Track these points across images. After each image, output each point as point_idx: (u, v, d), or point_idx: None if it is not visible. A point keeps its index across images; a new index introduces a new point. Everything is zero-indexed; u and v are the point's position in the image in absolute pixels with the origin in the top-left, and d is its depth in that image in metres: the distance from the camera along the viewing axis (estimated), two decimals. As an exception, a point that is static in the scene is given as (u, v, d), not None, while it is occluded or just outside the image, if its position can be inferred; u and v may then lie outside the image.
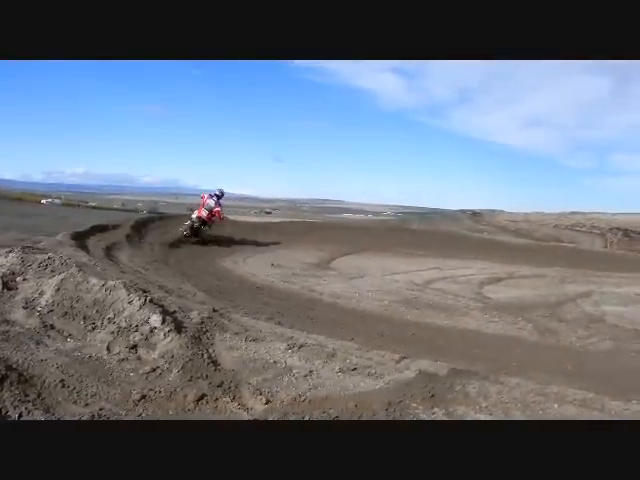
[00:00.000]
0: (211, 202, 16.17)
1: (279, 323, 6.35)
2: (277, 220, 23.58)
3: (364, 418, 3.70)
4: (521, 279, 13.53)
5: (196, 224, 15.88)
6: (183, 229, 15.86)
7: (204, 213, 16.00)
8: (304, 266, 12.95)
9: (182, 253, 13.49)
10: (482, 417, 3.93)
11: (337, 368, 4.60)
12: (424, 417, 3.84)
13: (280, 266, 12.49)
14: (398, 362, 4.97)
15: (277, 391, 4.04)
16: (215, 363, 4.40)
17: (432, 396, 4.16)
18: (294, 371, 4.44)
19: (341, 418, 3.69)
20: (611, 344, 6.82)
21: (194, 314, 5.37)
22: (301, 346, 5.01)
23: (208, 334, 4.96)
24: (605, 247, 33.09)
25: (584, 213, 62.49)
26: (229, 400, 3.84)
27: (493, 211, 73.65)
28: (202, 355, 4.45)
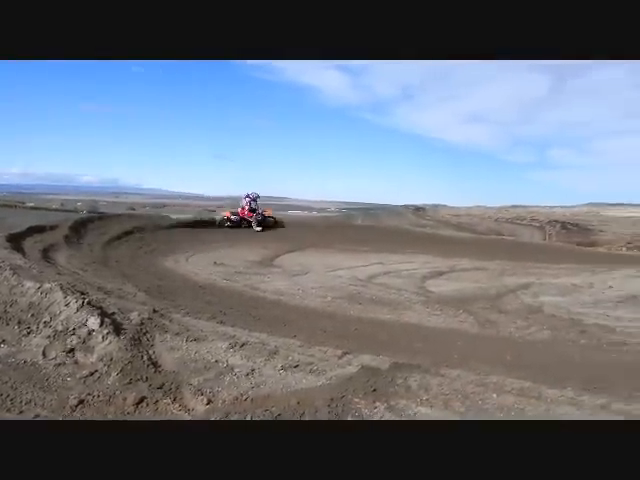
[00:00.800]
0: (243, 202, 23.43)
1: (221, 322, 6.34)
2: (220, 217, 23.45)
3: (307, 416, 3.75)
4: (462, 272, 13.82)
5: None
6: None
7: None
8: (247, 264, 12.90)
9: (123, 253, 13.23)
10: (423, 410, 4.02)
11: (279, 366, 4.65)
12: (366, 412, 3.91)
13: (223, 264, 12.41)
14: (340, 358, 5.06)
15: (219, 391, 4.06)
16: (155, 365, 4.38)
17: (374, 390, 4.24)
18: (236, 370, 4.47)
19: (283, 416, 3.72)
20: (548, 334, 7.06)
21: (134, 315, 5.34)
22: (243, 345, 5.04)
23: (148, 335, 4.94)
24: (544, 239, 34.08)
25: (524, 206, 64.33)
26: (170, 402, 3.82)
27: (436, 206, 75.04)
28: (142, 357, 4.42)
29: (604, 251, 25.02)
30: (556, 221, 42.29)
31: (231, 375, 4.38)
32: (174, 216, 23.80)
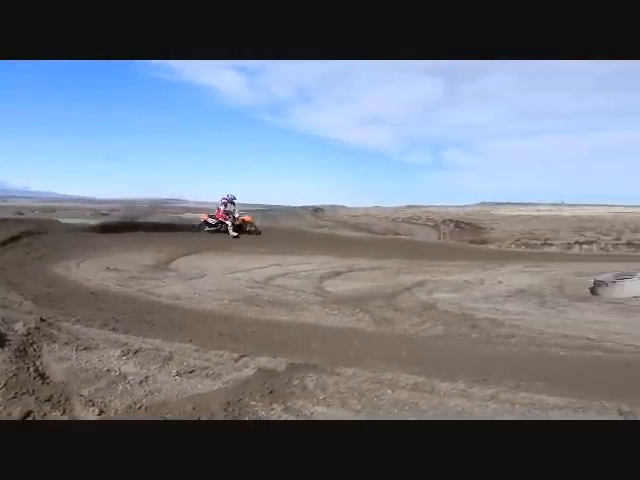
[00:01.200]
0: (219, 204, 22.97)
1: (114, 329, 6.16)
2: (114, 221, 22.53)
3: (203, 419, 3.69)
4: (360, 272, 14.08)
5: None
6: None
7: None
8: (142, 268, 12.54)
9: (8, 260, 12.47)
10: (320, 409, 4.06)
11: (174, 372, 4.60)
12: (263, 414, 3.91)
13: (117, 270, 11.98)
14: (237, 361, 5.07)
15: (111, 400, 3.94)
16: (43, 376, 4.19)
17: (271, 392, 4.27)
18: (129, 378, 4.38)
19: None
20: (442, 329, 7.31)
21: (19, 325, 5.14)
22: (137, 351, 4.98)
23: (35, 346, 4.75)
24: (439, 238, 35.25)
25: (420, 206, 66.41)
26: (59, 414, 3.64)
27: (335, 207, 76.01)
28: (28, 369, 4.21)
29: (494, 248, 26.36)
30: (450, 220, 43.88)
31: (124, 383, 4.27)
32: (73, 220, 22.68)
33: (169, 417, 3.73)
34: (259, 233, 23.20)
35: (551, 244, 30.03)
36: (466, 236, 32.67)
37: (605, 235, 33.69)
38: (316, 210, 67.85)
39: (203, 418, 3.72)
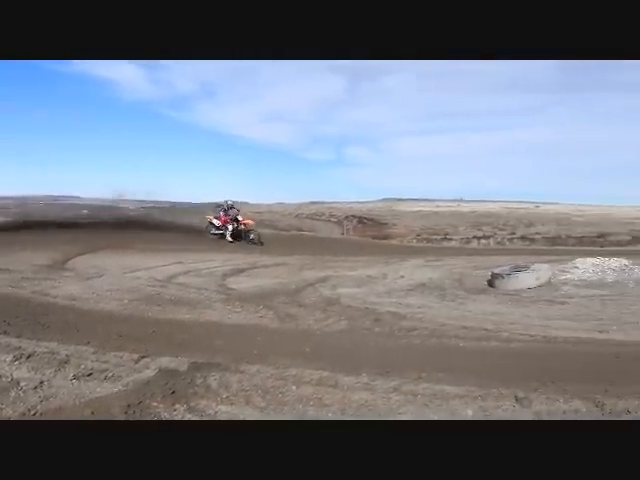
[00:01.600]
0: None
1: (5, 333, 5.87)
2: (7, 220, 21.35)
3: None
4: (263, 269, 14.06)
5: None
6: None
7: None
8: (36, 268, 11.93)
9: None
10: (224, 408, 4.04)
11: (71, 375, 4.49)
12: (165, 415, 3.86)
13: (8, 270, 11.33)
14: (137, 362, 5.00)
15: (2, 408, 3.80)
16: None
17: (173, 393, 4.24)
18: (22, 384, 4.23)
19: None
20: (345, 324, 7.41)
21: None
22: (30, 356, 4.82)
23: None
24: (342, 234, 35.72)
25: (323, 203, 66.96)
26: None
27: (238, 203, 75.46)
28: None
29: (396, 243, 27.09)
30: (353, 216, 44.47)
31: (17, 390, 4.12)
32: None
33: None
34: (262, 244, 21.56)
35: (450, 239, 31.13)
36: (369, 231, 33.29)
37: (501, 230, 35.22)
38: (218, 206, 67.09)
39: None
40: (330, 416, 4.05)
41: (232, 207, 22.62)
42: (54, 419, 3.69)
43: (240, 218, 22.25)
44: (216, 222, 22.11)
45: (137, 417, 3.77)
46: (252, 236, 21.85)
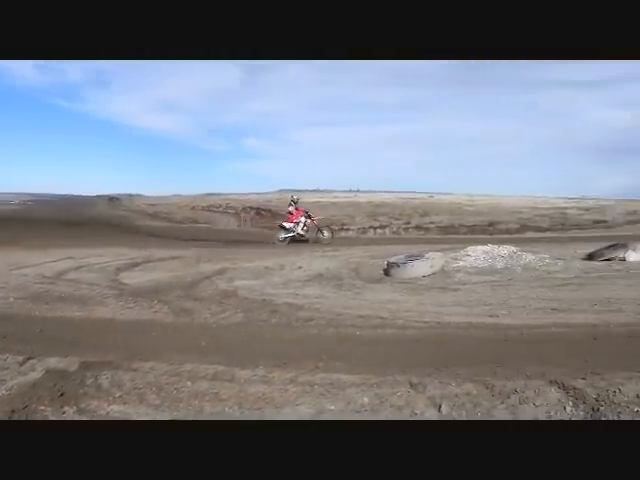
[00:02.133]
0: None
1: None
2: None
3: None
4: (159, 262, 13.80)
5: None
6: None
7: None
8: None
9: None
10: (116, 408, 3.98)
11: None
12: (54, 419, 3.77)
13: None
14: (22, 364, 4.87)
15: None
16: None
17: (61, 395, 4.16)
18: None
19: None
20: (242, 316, 7.41)
21: None
22: None
23: None
24: (239, 225, 35.67)
25: (220, 194, 66.42)
26: None
27: (132, 195, 73.81)
28: None
29: (294, 234, 27.17)
30: (251, 207, 44.49)
31: None
32: None
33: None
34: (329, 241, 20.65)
35: (348, 229, 31.69)
36: (266, 223, 33.34)
37: (397, 219, 36.27)
38: (112, 199, 65.74)
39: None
40: (227, 410, 4.07)
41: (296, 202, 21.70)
42: None
43: (311, 214, 21.59)
44: (286, 224, 21.02)
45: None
46: (326, 234, 21.18)
